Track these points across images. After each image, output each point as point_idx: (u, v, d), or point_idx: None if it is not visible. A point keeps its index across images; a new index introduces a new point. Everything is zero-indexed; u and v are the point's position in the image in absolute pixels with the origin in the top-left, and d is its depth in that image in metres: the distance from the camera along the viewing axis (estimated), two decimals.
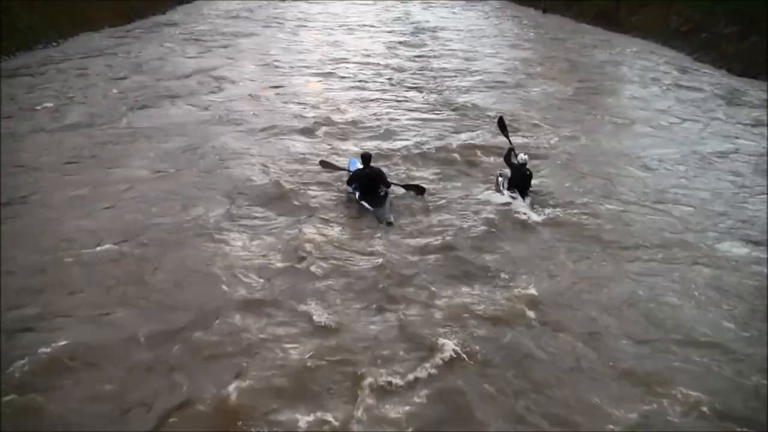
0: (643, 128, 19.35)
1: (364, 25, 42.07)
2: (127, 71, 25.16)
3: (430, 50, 32.67)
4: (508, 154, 13.56)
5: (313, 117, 18.88)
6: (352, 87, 23.46)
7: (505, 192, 12.99)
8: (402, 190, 13.07)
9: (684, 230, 12.17)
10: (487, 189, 13.59)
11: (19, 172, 14.26)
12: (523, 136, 17.64)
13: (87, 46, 30.11)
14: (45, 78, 23.54)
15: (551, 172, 14.90)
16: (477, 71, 27.36)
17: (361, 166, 12.99)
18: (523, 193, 12.82)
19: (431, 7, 54.91)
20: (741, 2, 32.78)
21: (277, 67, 27.44)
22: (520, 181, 12.93)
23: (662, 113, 21.36)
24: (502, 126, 14.68)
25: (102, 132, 17.35)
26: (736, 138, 18.52)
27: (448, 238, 11.32)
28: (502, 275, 10.26)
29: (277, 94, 22.11)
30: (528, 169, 13.02)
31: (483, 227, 11.77)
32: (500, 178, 13.51)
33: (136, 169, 14.63)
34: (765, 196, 13.87)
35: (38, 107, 19.65)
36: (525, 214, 12.18)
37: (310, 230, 11.38)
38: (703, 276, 10.54)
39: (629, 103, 22.99)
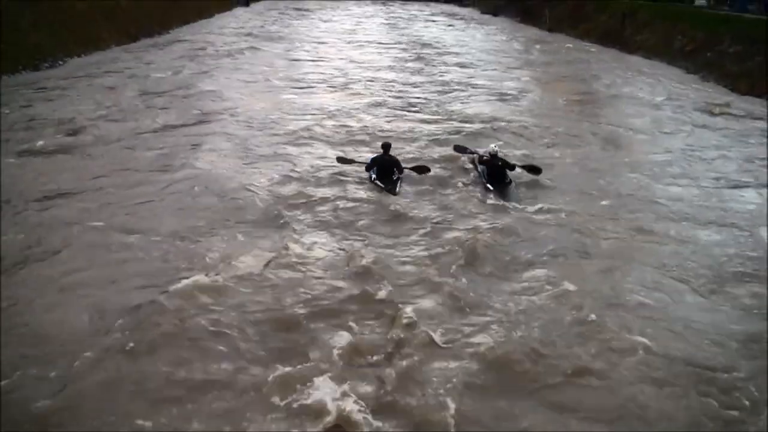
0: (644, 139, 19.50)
1: (372, 42, 42.55)
2: (136, 90, 25.04)
3: (435, 65, 33.76)
4: (477, 159, 15.41)
5: (332, 124, 20.58)
6: (365, 98, 24.90)
7: (485, 183, 14.54)
8: (414, 173, 14.96)
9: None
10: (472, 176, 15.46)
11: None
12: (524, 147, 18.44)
13: (92, 65, 30.29)
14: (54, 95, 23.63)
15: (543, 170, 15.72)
16: (480, 84, 28.55)
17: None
18: (500, 182, 14.27)
19: (438, 26, 55.62)
20: (745, 22, 33.00)
21: (294, 80, 28.39)
22: (494, 172, 14.48)
23: (657, 123, 22.02)
24: (460, 149, 16.49)
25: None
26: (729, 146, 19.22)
27: (435, 213, 13.38)
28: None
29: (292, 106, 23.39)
30: (500, 159, 14.64)
31: (459, 204, 13.92)
32: (479, 167, 15.20)
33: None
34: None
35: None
36: (499, 200, 13.90)
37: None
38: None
39: (629, 113, 23.12)
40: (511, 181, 14.48)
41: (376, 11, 70.33)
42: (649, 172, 16.59)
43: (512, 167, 14.85)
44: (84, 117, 20.25)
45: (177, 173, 15.24)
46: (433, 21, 60.01)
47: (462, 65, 33.91)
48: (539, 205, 13.77)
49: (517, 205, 13.71)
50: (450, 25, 56.42)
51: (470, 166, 15.91)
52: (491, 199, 14.05)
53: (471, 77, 30.25)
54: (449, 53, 38.53)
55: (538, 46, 42.53)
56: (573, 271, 10.85)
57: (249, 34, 44.80)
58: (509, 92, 26.91)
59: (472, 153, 15.97)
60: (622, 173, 16.48)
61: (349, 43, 42.57)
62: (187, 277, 10.18)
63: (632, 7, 44.55)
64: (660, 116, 23.01)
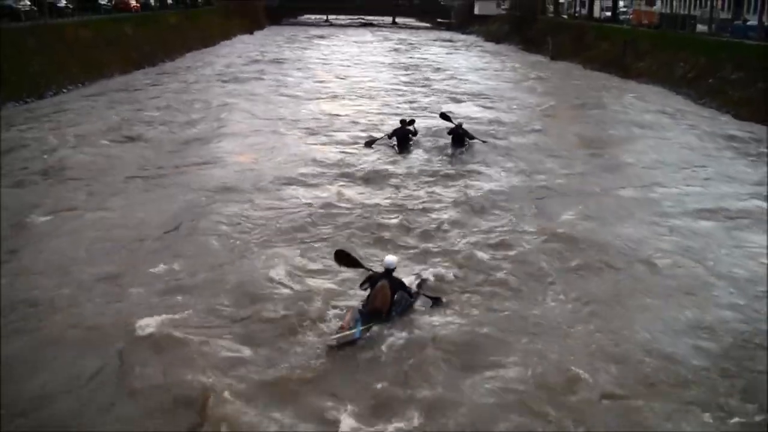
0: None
1: (384, 64, 42.97)
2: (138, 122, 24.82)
3: (443, 88, 35.81)
4: (453, 129, 21.33)
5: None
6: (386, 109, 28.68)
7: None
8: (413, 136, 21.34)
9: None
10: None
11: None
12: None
13: (97, 93, 30.40)
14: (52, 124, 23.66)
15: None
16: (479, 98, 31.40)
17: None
18: (458, 144, 20.96)
19: (445, 52, 56.46)
20: (747, 48, 33.05)
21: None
22: (456, 137, 21.05)
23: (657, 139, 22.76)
24: (445, 117, 22.21)
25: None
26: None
27: (423, 159, 19.97)
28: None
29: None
30: (461, 130, 21.18)
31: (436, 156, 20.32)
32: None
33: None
34: None
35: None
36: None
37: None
38: None
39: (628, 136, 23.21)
40: (465, 144, 21.18)
41: (379, 39, 71.18)
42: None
43: (471, 136, 21.40)
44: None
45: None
46: (445, 49, 60.60)
47: (477, 96, 34.09)
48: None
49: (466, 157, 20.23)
50: (450, 52, 57.15)
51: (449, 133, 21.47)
52: (453, 155, 20.43)
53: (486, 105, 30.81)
54: (460, 79, 39.16)
55: (542, 73, 42.78)
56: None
57: (254, 62, 45.23)
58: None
59: (454, 123, 21.67)
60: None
61: (356, 66, 42.96)
62: None
63: (633, 35, 44.90)
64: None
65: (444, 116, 22.21)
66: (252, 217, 14.18)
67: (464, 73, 41.96)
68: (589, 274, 11.73)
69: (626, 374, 8.73)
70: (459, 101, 31.12)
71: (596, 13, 63.64)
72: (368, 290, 10.04)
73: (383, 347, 9.24)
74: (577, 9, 71.65)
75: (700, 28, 43.75)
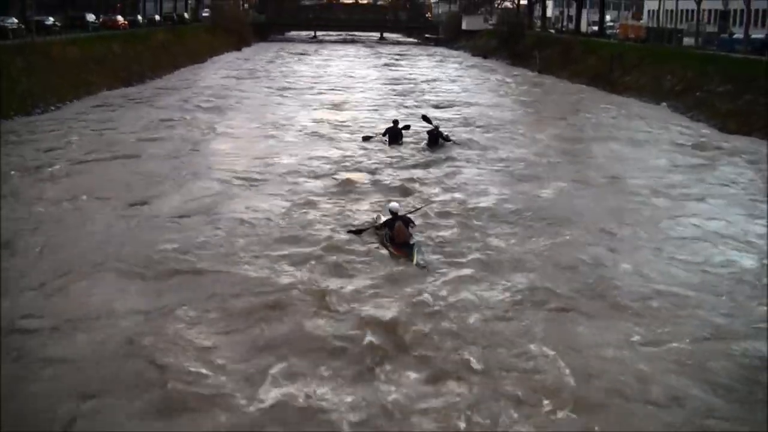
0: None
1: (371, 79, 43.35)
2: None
3: (428, 98, 37.30)
4: (431, 131, 24.04)
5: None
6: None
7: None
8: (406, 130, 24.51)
9: None
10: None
11: None
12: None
13: (84, 111, 30.22)
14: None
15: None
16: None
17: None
18: (433, 143, 23.57)
19: (431, 66, 56.91)
20: (733, 61, 33.37)
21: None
22: (432, 137, 23.74)
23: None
24: (426, 119, 25.04)
25: None
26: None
27: (411, 152, 23.21)
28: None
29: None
30: (437, 132, 23.79)
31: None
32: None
33: None
34: None
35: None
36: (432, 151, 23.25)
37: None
38: None
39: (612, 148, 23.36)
40: (441, 144, 23.71)
41: (367, 54, 71.56)
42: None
43: (446, 138, 23.97)
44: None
45: None
46: (432, 63, 60.97)
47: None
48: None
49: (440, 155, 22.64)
50: (436, 66, 57.55)
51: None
52: (431, 151, 23.14)
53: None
54: (443, 90, 39.15)
55: (526, 87, 43.13)
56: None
57: (242, 78, 45.27)
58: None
59: (432, 125, 24.46)
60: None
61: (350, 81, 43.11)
62: None
63: (620, 49, 45.35)
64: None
65: (425, 118, 25.60)
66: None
67: (448, 86, 42.57)
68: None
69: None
70: (439, 107, 32.67)
71: (583, 27, 64.33)
72: (387, 231, 13.62)
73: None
74: (565, 23, 72.35)
75: (687, 41, 44.67)
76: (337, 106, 33.43)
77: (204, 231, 14.07)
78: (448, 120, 28.99)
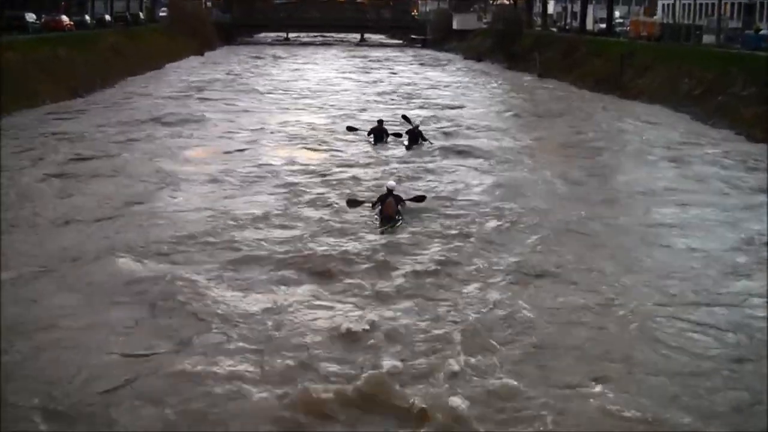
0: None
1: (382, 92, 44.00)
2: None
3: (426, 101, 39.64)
4: (410, 130, 27.33)
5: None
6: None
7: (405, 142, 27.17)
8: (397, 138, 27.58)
9: None
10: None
11: None
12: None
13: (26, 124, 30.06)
14: None
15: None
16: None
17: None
18: (413, 143, 26.64)
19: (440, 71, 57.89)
20: (760, 61, 33.36)
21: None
22: (412, 137, 26.87)
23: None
24: (406, 118, 29.06)
25: None
26: None
27: (394, 151, 26.45)
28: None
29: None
30: (417, 131, 27.08)
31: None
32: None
33: None
34: None
35: None
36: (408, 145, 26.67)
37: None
38: None
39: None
40: (419, 143, 26.76)
41: (345, 58, 72.18)
42: None
43: (424, 138, 26.89)
44: None
45: None
46: (417, 67, 61.85)
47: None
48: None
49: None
50: (426, 69, 58.21)
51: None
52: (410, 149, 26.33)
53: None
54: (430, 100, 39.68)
55: (525, 95, 43.59)
56: None
57: (201, 89, 45.24)
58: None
59: (411, 124, 27.94)
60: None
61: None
62: None
63: (631, 48, 45.54)
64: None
65: (405, 118, 29.22)
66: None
67: (433, 97, 42.45)
68: None
69: None
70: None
71: (589, 25, 64.86)
72: (379, 205, 17.15)
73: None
74: (568, 21, 72.77)
75: (707, 39, 44.89)
76: (304, 140, 28.86)
77: None
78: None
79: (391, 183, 17.99)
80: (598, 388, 9.77)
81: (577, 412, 9.25)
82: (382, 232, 16.09)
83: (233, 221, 16.83)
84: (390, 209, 16.72)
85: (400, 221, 16.74)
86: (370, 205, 17.57)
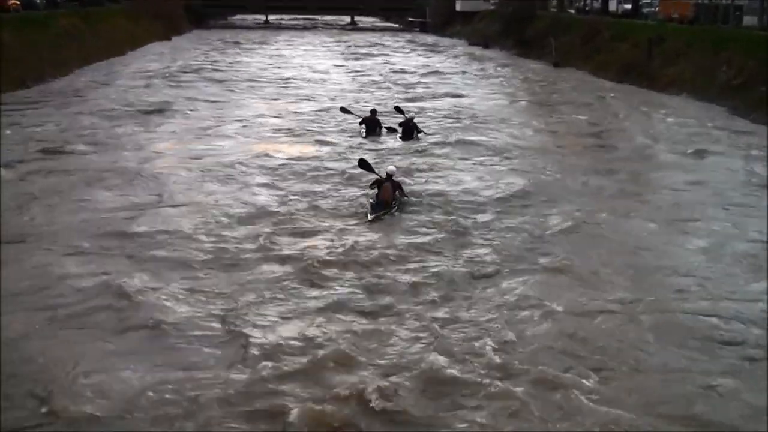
0: None
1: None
2: None
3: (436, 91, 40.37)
4: (404, 122, 27.68)
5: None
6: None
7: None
8: (391, 132, 27.88)
9: None
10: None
11: None
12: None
13: None
14: None
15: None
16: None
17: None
18: (408, 136, 26.96)
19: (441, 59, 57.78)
20: None
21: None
22: (406, 129, 27.18)
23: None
24: (399, 110, 29.11)
25: None
26: None
27: (386, 141, 26.94)
28: None
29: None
30: (412, 123, 27.35)
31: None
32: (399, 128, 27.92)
33: None
34: None
35: None
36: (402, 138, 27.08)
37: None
38: None
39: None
40: (414, 135, 27.18)
41: (330, 45, 70.73)
42: None
43: (419, 130, 27.39)
44: None
45: None
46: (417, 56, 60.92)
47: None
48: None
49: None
50: (426, 57, 57.74)
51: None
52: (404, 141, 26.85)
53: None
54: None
55: (538, 88, 42.66)
56: None
57: (165, 79, 43.52)
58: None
59: (405, 116, 28.21)
60: None
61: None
62: None
63: (661, 32, 44.15)
64: None
65: (398, 109, 29.40)
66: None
67: (432, 89, 41.47)
68: None
69: None
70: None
71: (612, 5, 62.93)
72: (376, 189, 18.20)
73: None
74: (588, 1, 70.56)
75: (748, 20, 43.70)
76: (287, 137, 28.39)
77: None
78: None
79: (391, 168, 19.07)
80: None
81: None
82: (372, 221, 17.13)
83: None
84: (387, 194, 17.89)
85: (395, 209, 17.92)
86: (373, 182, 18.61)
